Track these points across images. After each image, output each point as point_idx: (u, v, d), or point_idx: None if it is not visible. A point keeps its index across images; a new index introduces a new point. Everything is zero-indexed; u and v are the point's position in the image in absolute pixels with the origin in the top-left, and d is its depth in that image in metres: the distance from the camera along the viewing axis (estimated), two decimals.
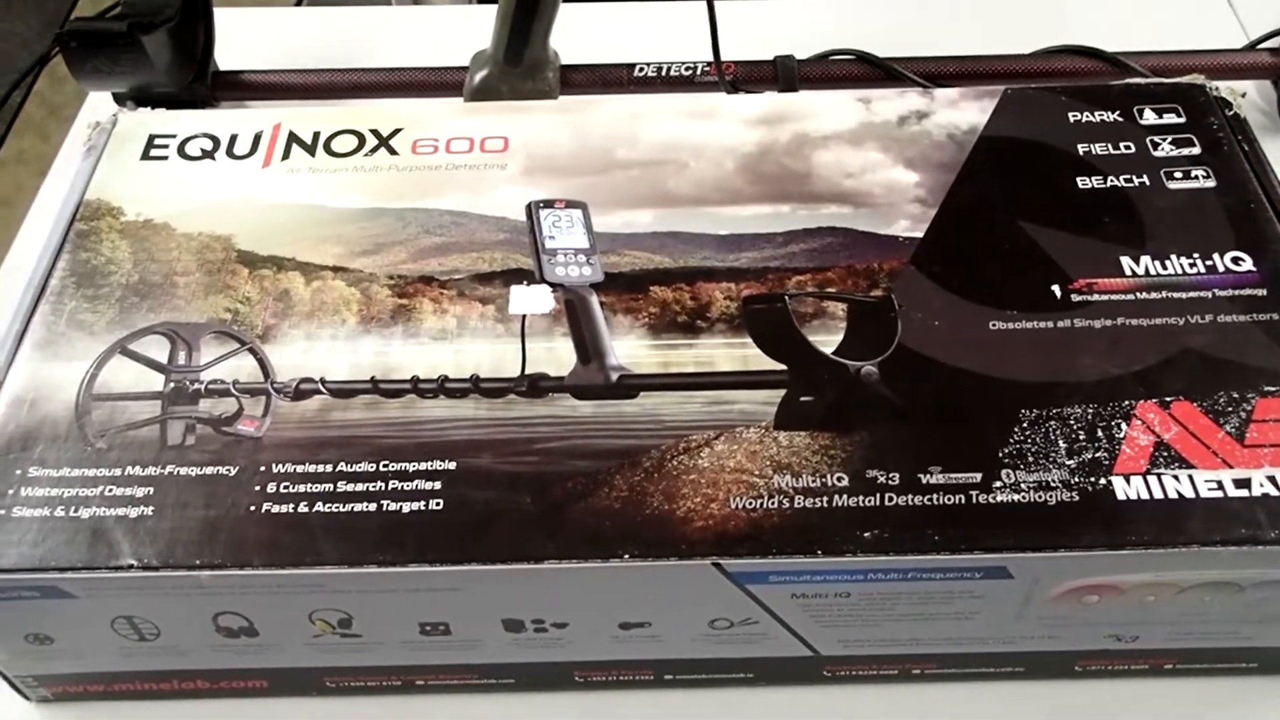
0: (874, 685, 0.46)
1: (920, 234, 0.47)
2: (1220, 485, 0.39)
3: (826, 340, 0.44)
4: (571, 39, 0.63)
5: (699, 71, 0.63)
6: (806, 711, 0.45)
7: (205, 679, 0.44)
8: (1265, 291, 0.44)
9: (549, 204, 0.48)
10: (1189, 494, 0.39)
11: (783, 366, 0.43)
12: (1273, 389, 0.41)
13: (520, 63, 0.61)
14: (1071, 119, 0.51)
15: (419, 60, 0.66)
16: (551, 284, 0.46)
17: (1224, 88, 0.53)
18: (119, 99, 0.63)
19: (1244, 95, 0.52)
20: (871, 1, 0.78)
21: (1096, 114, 0.51)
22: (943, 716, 0.45)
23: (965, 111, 0.52)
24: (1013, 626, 0.42)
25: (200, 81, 0.63)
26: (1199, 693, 0.45)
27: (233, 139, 0.52)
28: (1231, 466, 0.39)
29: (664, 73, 0.63)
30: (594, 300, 0.45)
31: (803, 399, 0.42)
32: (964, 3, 0.78)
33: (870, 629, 0.42)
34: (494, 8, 0.61)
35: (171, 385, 0.43)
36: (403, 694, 0.45)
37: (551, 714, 0.46)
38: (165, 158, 0.51)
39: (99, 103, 0.68)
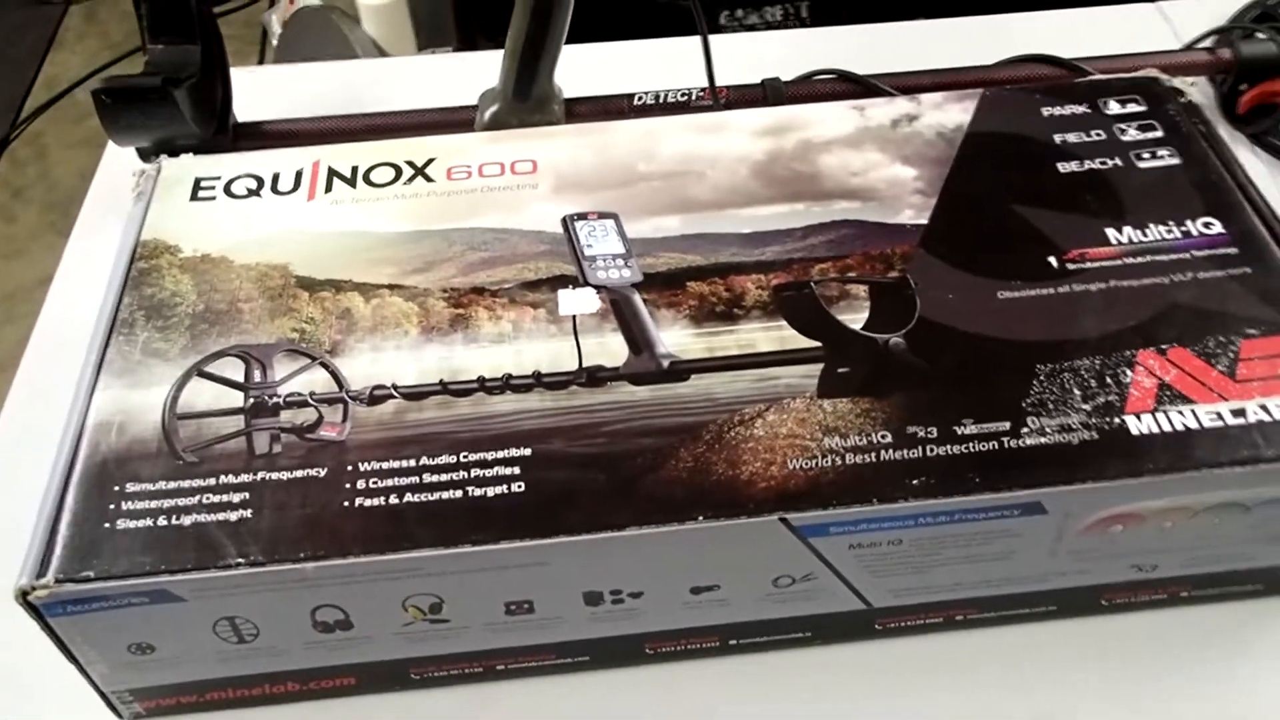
0: (920, 636, 0.49)
1: (925, 221, 0.52)
2: (1220, 416, 0.44)
3: (854, 318, 0.48)
4: (573, 76, 0.68)
5: (694, 97, 0.67)
6: (860, 667, 0.49)
7: (296, 680, 0.47)
8: (1236, 250, 0.50)
9: (583, 216, 0.52)
10: (1194, 425, 0.43)
11: (818, 344, 0.47)
12: (1254, 331, 0.46)
13: (529, 97, 0.65)
14: (1045, 113, 0.56)
15: (405, 105, 0.69)
16: (596, 286, 0.49)
17: (1177, 79, 0.58)
18: (142, 155, 0.66)
19: (1193, 84, 0.58)
20: (837, 31, 0.84)
21: (1067, 107, 0.56)
22: (984, 662, 0.49)
23: (950, 112, 0.57)
24: (1047, 563, 0.46)
25: (223, 133, 0.66)
26: (1211, 618, 0.49)
27: (275, 177, 0.55)
28: (1227, 399, 0.44)
29: (661, 100, 0.67)
30: (637, 298, 0.49)
31: (840, 370, 0.46)
32: (920, 28, 0.84)
33: (919, 575, 0.45)
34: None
35: (251, 400, 0.46)
36: (483, 681, 0.48)
37: (624, 690, 0.48)
38: (213, 198, 0.54)
39: (109, 170, 0.71)
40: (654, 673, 0.49)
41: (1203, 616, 0.49)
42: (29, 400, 0.59)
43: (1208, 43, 0.72)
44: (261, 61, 1.73)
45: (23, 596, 0.40)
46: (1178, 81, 0.58)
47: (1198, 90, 0.73)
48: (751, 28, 1.26)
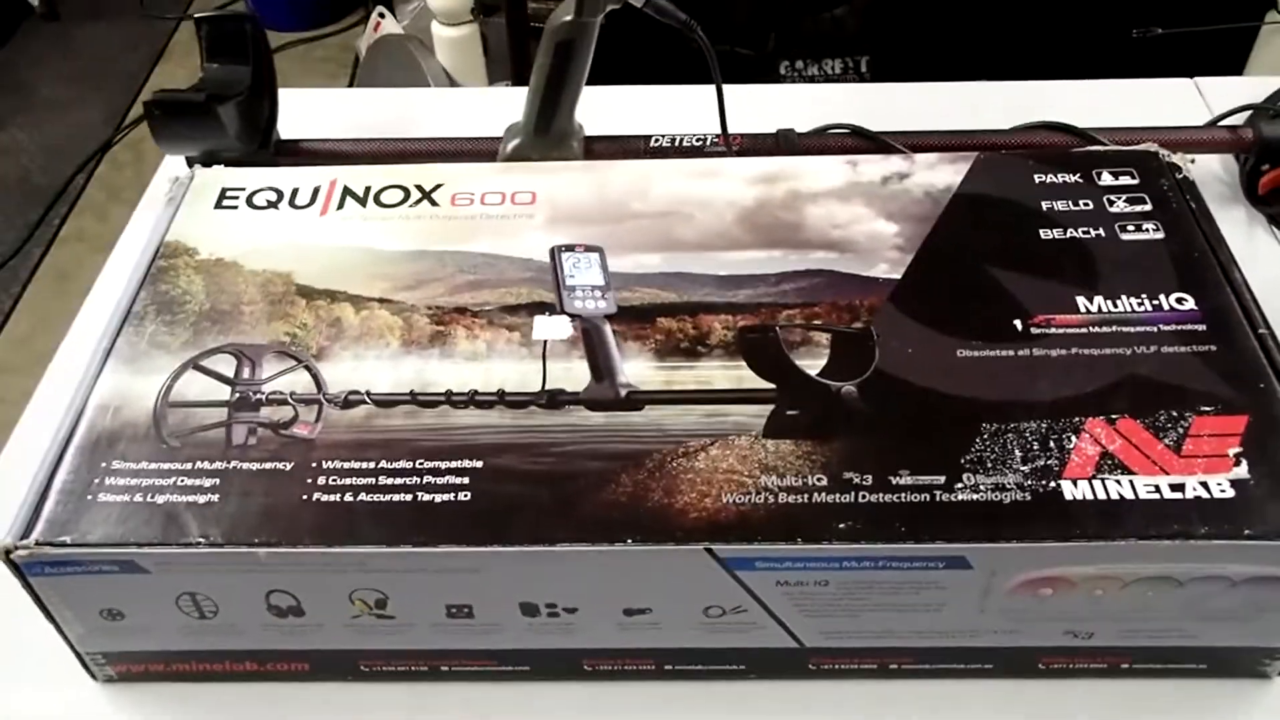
0: (855, 680, 0.50)
1: (898, 276, 0.53)
2: (1158, 489, 0.44)
3: (812, 364, 0.49)
4: (596, 116, 0.71)
5: (709, 142, 0.70)
6: (794, 705, 0.50)
7: (254, 660, 0.50)
8: (1205, 327, 0.50)
9: (570, 248, 0.55)
10: (1129, 495, 0.44)
11: (772, 385, 0.49)
12: (1208, 409, 0.47)
13: (549, 132, 0.68)
14: (1036, 180, 0.57)
15: (453, 133, 0.73)
16: (571, 315, 0.52)
17: (1177, 155, 0.59)
18: (190, 163, 0.71)
19: (1193, 161, 0.58)
20: (865, 87, 0.86)
21: (1059, 176, 0.57)
22: (917, 713, 0.49)
23: (941, 173, 0.58)
24: (977, 619, 0.46)
25: (265, 148, 0.71)
26: (1153, 693, 0.49)
27: (294, 192, 0.59)
28: (1168, 473, 0.44)
29: (677, 143, 0.70)
30: (607, 329, 0.51)
31: (789, 413, 0.48)
32: (963, 89, 0.85)
33: (848, 619, 0.47)
34: (517, 90, 0.69)
35: (237, 395, 0.49)
36: (429, 680, 0.50)
37: (562, 702, 0.50)
38: (235, 207, 0.58)
39: (164, 177, 0.76)
40: (592, 689, 0.50)
41: (1143, 690, 0.49)
42: (62, 381, 0.63)
43: (1232, 120, 0.72)
44: (351, 82, 1.81)
45: (5, 555, 0.44)
46: (1176, 157, 0.58)
47: (1220, 169, 0.73)
48: (810, 79, 1.28)
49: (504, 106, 0.74)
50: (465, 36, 1.32)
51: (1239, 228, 0.70)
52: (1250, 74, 1.18)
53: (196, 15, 0.69)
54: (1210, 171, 0.74)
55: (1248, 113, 0.73)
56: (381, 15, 1.50)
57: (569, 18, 0.64)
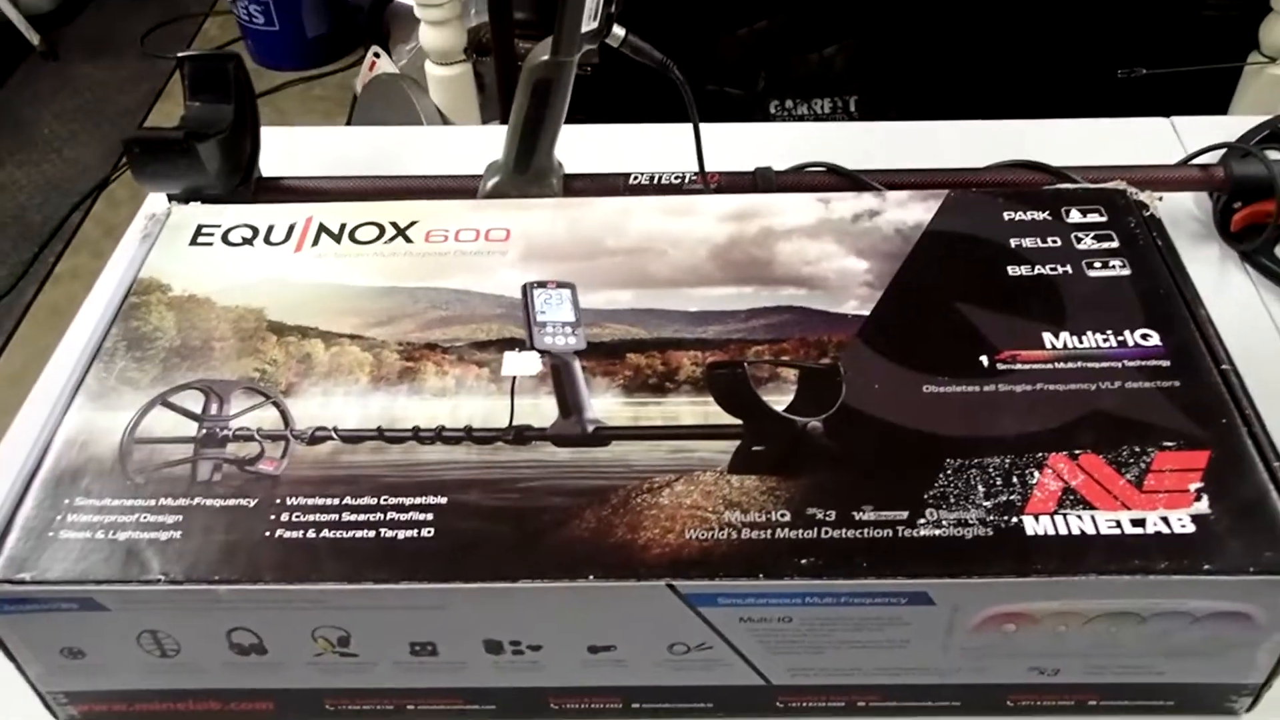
0: (824, 719, 0.50)
1: (866, 312, 0.53)
2: (1119, 524, 0.44)
3: (779, 400, 0.50)
4: (579, 154, 0.71)
5: (687, 180, 0.70)
6: None
7: (217, 699, 0.49)
8: (1169, 362, 0.50)
9: (542, 284, 0.55)
10: (1090, 531, 0.44)
11: (738, 421, 0.49)
12: (1170, 444, 0.47)
13: (528, 170, 0.69)
14: (1006, 217, 0.58)
15: (443, 170, 0.74)
16: (540, 351, 0.52)
17: (1144, 193, 0.59)
18: (172, 200, 0.71)
19: (1160, 199, 0.59)
20: (849, 126, 0.86)
21: (1028, 213, 0.58)
22: None
23: (912, 210, 0.59)
24: (942, 656, 0.46)
25: (245, 186, 0.71)
26: None
27: (269, 229, 0.59)
28: (1129, 508, 0.44)
29: (655, 181, 0.70)
30: (576, 365, 0.51)
31: (755, 448, 0.48)
32: (942, 128, 0.86)
33: (814, 656, 0.46)
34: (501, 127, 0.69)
35: (203, 431, 0.49)
36: (395, 719, 0.50)
37: None
38: (210, 244, 0.59)
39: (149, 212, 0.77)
40: None
41: None
42: (36, 417, 0.63)
43: (1204, 159, 0.72)
44: (349, 121, 1.83)
45: None
46: (1144, 195, 0.59)
47: (1195, 207, 0.74)
48: (800, 118, 1.29)
49: (494, 144, 0.75)
50: (458, 76, 1.33)
51: (1212, 265, 0.71)
52: (1234, 115, 1.19)
53: (179, 54, 0.70)
54: (1185, 210, 0.75)
55: (1222, 151, 0.74)
56: (377, 55, 1.52)
57: (546, 57, 0.65)
